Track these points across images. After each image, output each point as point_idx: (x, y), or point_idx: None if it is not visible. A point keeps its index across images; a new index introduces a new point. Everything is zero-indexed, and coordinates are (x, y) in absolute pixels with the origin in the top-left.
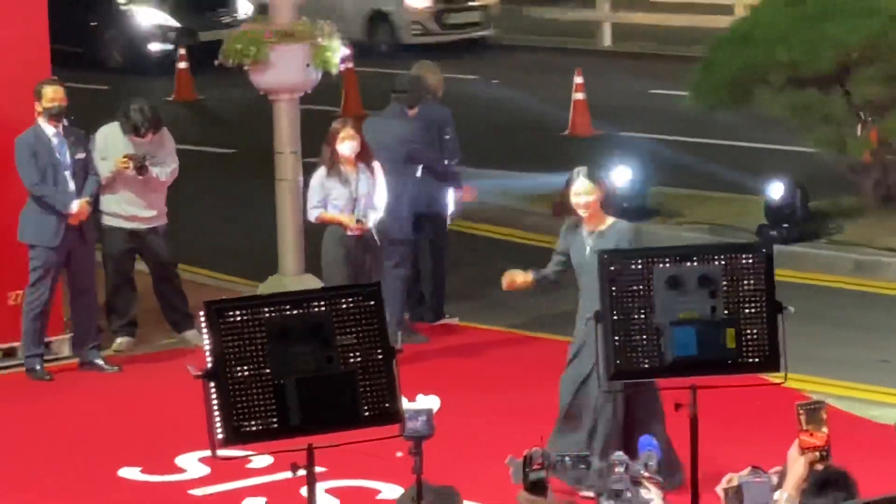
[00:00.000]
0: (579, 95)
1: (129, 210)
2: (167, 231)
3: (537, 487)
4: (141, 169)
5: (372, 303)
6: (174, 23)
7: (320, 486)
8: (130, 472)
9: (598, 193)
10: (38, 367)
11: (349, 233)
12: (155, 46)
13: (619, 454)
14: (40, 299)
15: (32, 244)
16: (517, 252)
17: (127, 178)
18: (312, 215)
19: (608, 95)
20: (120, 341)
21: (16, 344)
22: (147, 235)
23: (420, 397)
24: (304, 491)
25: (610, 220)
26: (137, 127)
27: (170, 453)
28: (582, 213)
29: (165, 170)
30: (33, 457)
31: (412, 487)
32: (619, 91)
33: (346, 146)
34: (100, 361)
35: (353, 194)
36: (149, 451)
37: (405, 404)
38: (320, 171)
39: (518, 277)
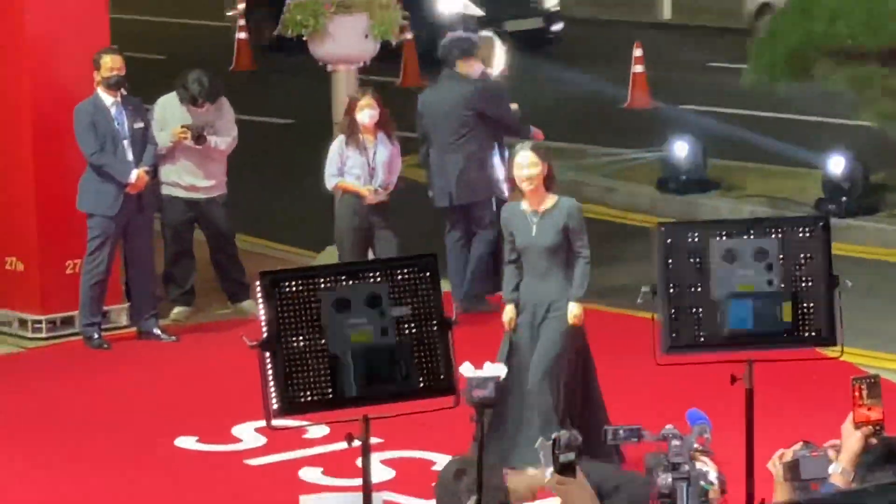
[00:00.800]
0: (638, 69)
1: (187, 180)
2: (226, 201)
3: (567, 470)
4: (199, 139)
5: (427, 274)
6: None
7: (376, 457)
8: (187, 442)
9: (542, 167)
10: (95, 336)
11: (365, 202)
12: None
13: (669, 427)
14: (98, 268)
15: (91, 213)
16: None
17: (186, 148)
18: (330, 183)
19: (667, 69)
20: (177, 311)
21: (73, 313)
22: (206, 205)
23: (487, 364)
24: (359, 462)
25: (554, 197)
26: (195, 97)
27: (226, 423)
28: (525, 186)
29: (224, 139)
30: (90, 426)
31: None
32: (678, 64)
33: (365, 115)
34: (157, 331)
35: (370, 163)
36: (205, 421)
37: (472, 371)
38: (339, 140)
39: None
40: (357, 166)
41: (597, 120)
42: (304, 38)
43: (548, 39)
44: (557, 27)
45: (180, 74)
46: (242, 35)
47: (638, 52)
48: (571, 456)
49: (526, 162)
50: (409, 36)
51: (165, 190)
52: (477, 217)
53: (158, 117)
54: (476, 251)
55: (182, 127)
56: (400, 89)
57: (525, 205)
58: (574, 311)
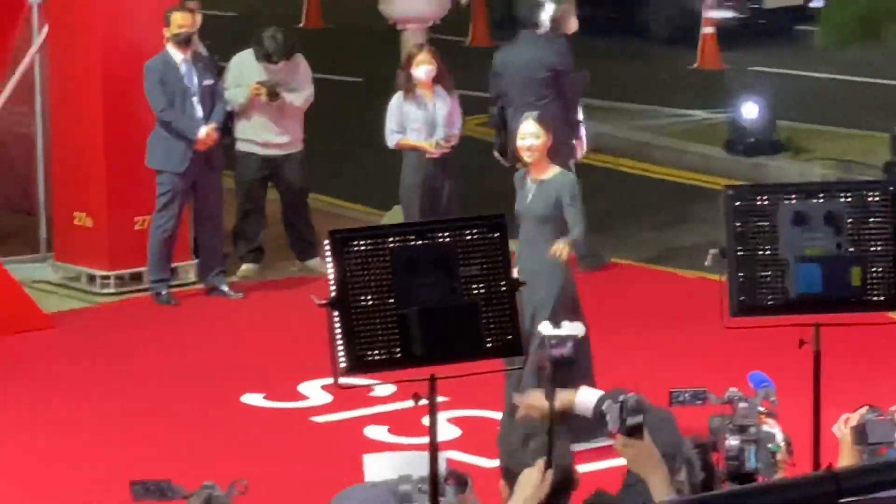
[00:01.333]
0: (708, 29)
1: (263, 136)
2: (302, 159)
3: (635, 432)
4: (272, 95)
5: (496, 234)
6: None
7: (442, 416)
8: (253, 399)
9: (545, 138)
10: (163, 292)
11: (427, 157)
12: None
13: (733, 390)
14: (167, 225)
15: (160, 170)
16: (645, 185)
17: (261, 105)
18: (391, 141)
19: (735, 30)
20: (245, 268)
21: (142, 269)
22: (281, 162)
23: (565, 323)
24: (425, 420)
25: (555, 169)
26: (270, 54)
27: (292, 380)
28: (527, 157)
29: (299, 96)
30: (157, 381)
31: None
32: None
33: (422, 70)
34: (225, 287)
35: (430, 118)
36: (272, 378)
37: (550, 330)
38: (397, 96)
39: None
40: (418, 121)
41: (665, 80)
42: None
43: None
44: None
45: (255, 31)
46: None
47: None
48: (639, 418)
49: (529, 132)
50: None
51: (241, 146)
52: None
53: (234, 74)
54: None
55: (257, 83)
56: (468, 49)
57: (528, 175)
58: (560, 244)
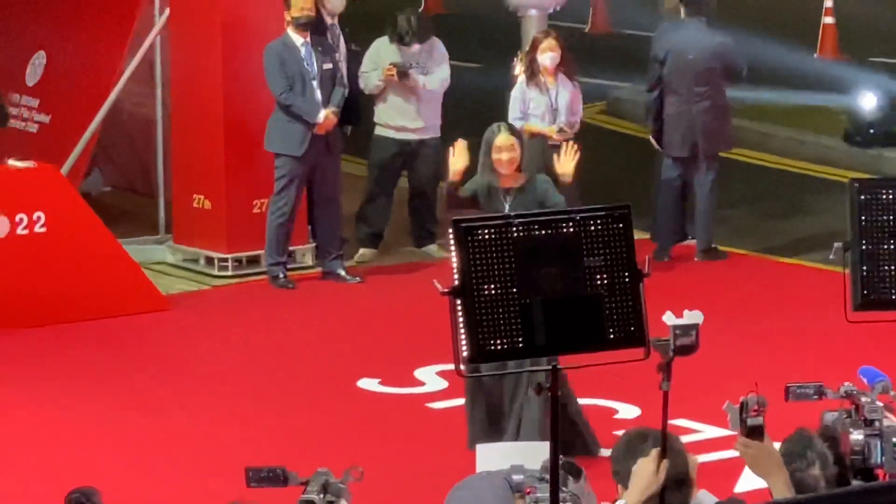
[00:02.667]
0: (828, 20)
1: (398, 121)
2: (437, 145)
3: (755, 433)
4: (402, 75)
5: (621, 225)
6: None
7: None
8: (369, 384)
9: (519, 150)
10: (281, 276)
11: (550, 143)
12: None
13: (848, 385)
14: (284, 208)
15: (278, 153)
16: (761, 173)
17: (398, 88)
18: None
19: (857, 19)
20: (362, 252)
21: (259, 252)
22: (416, 148)
23: (686, 313)
24: None
25: (523, 176)
26: (402, 36)
27: (408, 366)
28: (503, 170)
29: (434, 79)
30: (274, 364)
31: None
32: (868, 15)
33: (547, 57)
34: (342, 272)
35: (552, 104)
36: (388, 363)
37: (674, 320)
38: (519, 82)
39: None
40: (540, 107)
41: (784, 68)
42: None
43: None
44: None
45: (391, 15)
46: None
47: (828, 3)
48: (759, 420)
49: (506, 145)
50: None
51: (377, 130)
52: (709, 168)
53: (371, 58)
54: (709, 203)
55: (390, 64)
56: (588, 36)
57: (499, 186)
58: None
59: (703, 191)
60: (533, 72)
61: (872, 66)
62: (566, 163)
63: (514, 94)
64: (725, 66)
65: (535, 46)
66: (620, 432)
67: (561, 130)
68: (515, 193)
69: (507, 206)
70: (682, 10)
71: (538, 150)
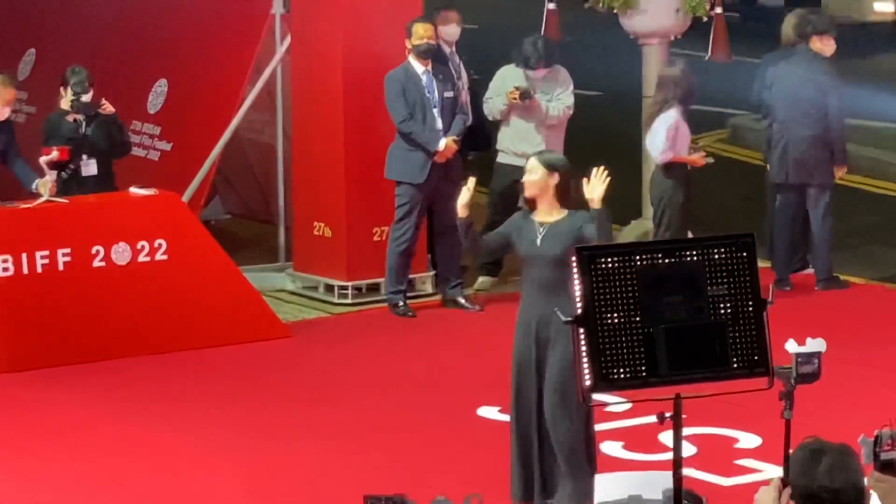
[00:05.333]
0: None
1: (520, 147)
2: None
3: (888, 468)
4: (524, 95)
5: (745, 254)
6: None
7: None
8: (489, 412)
9: (545, 176)
10: (400, 304)
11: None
12: None
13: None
14: (405, 236)
15: (399, 181)
16: (882, 202)
17: (521, 114)
18: (664, 157)
19: None
20: (482, 280)
21: (380, 280)
22: None
23: (809, 340)
24: (662, 437)
25: (564, 212)
26: (528, 59)
27: None
28: (527, 193)
29: (557, 105)
30: (393, 392)
31: (811, 440)
32: None
33: None
34: (462, 300)
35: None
36: (507, 391)
37: (797, 348)
38: (671, 114)
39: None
40: (684, 136)
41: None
42: (615, 11)
43: None
44: None
45: (517, 41)
46: (552, 5)
47: None
48: (893, 454)
49: (530, 167)
50: (718, 10)
51: (499, 157)
52: (819, 196)
53: (496, 83)
54: (824, 231)
55: (514, 87)
56: (708, 63)
57: (535, 216)
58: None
59: (817, 219)
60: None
61: None
62: (595, 186)
63: (665, 122)
64: (828, 96)
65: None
66: (742, 461)
67: (705, 156)
68: (549, 227)
69: (539, 238)
70: (792, 39)
71: (682, 179)
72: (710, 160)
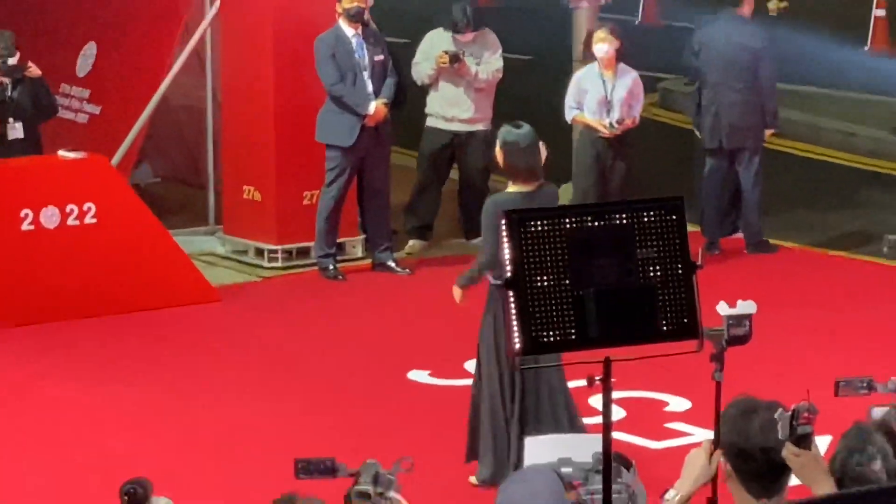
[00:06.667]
0: (879, 12)
1: (449, 111)
2: (487, 138)
3: (803, 441)
4: (454, 60)
5: (674, 217)
6: None
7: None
8: (419, 375)
9: (499, 155)
10: (330, 267)
11: (600, 136)
12: None
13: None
14: (334, 199)
15: (329, 144)
16: (811, 166)
17: (450, 78)
18: (568, 116)
19: None
20: (412, 244)
21: (309, 243)
22: (465, 139)
23: (740, 303)
24: (592, 401)
25: (538, 182)
26: (456, 24)
27: (458, 358)
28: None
29: (486, 68)
30: (323, 356)
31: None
32: None
33: (599, 48)
34: (392, 263)
35: (606, 97)
36: (438, 355)
37: (728, 310)
38: (578, 72)
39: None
40: (593, 99)
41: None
42: None
43: None
44: None
45: (445, 6)
46: None
47: None
48: (809, 428)
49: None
50: None
51: (428, 120)
52: (750, 161)
53: (424, 48)
54: (754, 196)
55: (442, 52)
56: (638, 27)
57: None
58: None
59: (748, 184)
60: (588, 63)
61: None
62: None
63: (572, 82)
64: (759, 61)
65: (589, 38)
66: (672, 424)
67: (611, 126)
68: (525, 198)
69: None
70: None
71: (589, 142)
72: (617, 130)
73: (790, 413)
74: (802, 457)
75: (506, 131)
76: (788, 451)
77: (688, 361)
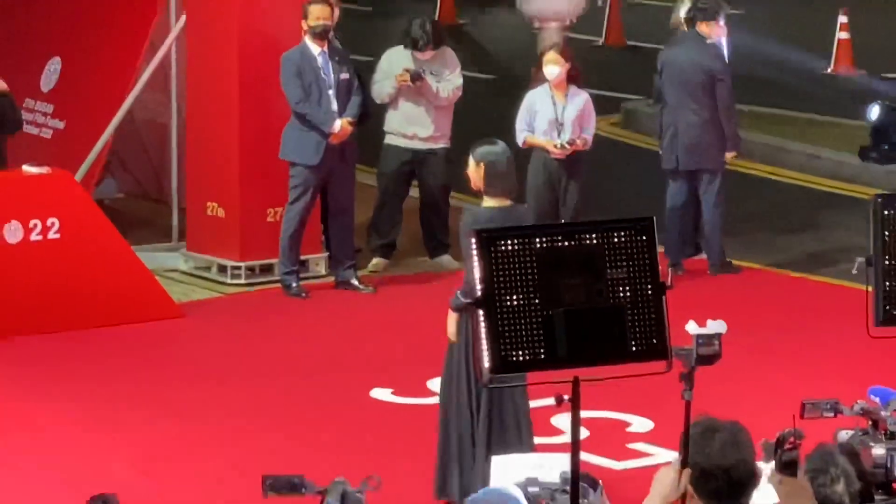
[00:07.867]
0: (843, 35)
1: (409, 129)
2: (447, 155)
3: (789, 468)
4: (415, 78)
5: (644, 237)
6: None
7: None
8: (382, 394)
9: (477, 170)
10: (293, 285)
11: (553, 156)
12: None
13: (862, 403)
14: (298, 217)
15: (293, 162)
16: (775, 188)
17: (410, 96)
18: (519, 139)
19: (873, 35)
20: (376, 262)
21: (273, 260)
22: (424, 157)
23: (710, 322)
24: (555, 420)
25: (510, 201)
26: (417, 41)
27: (421, 376)
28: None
29: (446, 87)
30: (286, 373)
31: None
32: (884, 31)
33: (550, 71)
34: (355, 281)
35: (558, 118)
36: (401, 373)
37: (697, 329)
38: (529, 93)
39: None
40: (543, 121)
41: (798, 86)
42: None
43: None
44: None
45: (405, 22)
46: None
47: (843, 19)
48: (794, 454)
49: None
50: None
51: (387, 139)
52: (710, 182)
53: (384, 66)
54: (715, 217)
55: (403, 70)
56: (602, 48)
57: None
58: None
59: (709, 206)
60: (540, 85)
61: (888, 83)
62: None
63: (523, 104)
64: (715, 82)
65: (541, 59)
66: (635, 445)
67: (563, 146)
68: (503, 213)
69: None
70: (682, 26)
71: (542, 163)
72: (569, 150)
73: (775, 440)
74: (787, 485)
75: (484, 150)
76: (773, 479)
77: (651, 381)
